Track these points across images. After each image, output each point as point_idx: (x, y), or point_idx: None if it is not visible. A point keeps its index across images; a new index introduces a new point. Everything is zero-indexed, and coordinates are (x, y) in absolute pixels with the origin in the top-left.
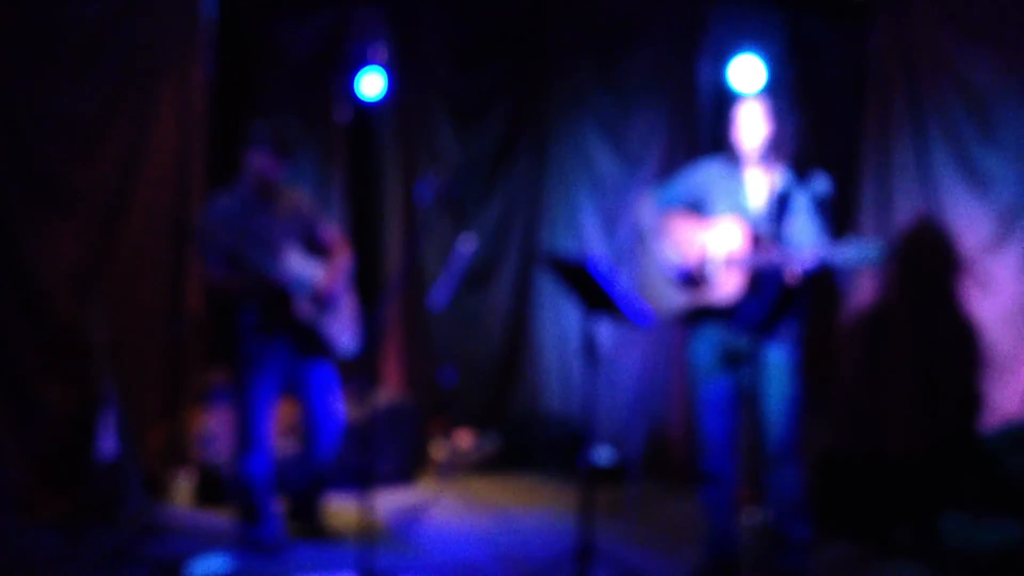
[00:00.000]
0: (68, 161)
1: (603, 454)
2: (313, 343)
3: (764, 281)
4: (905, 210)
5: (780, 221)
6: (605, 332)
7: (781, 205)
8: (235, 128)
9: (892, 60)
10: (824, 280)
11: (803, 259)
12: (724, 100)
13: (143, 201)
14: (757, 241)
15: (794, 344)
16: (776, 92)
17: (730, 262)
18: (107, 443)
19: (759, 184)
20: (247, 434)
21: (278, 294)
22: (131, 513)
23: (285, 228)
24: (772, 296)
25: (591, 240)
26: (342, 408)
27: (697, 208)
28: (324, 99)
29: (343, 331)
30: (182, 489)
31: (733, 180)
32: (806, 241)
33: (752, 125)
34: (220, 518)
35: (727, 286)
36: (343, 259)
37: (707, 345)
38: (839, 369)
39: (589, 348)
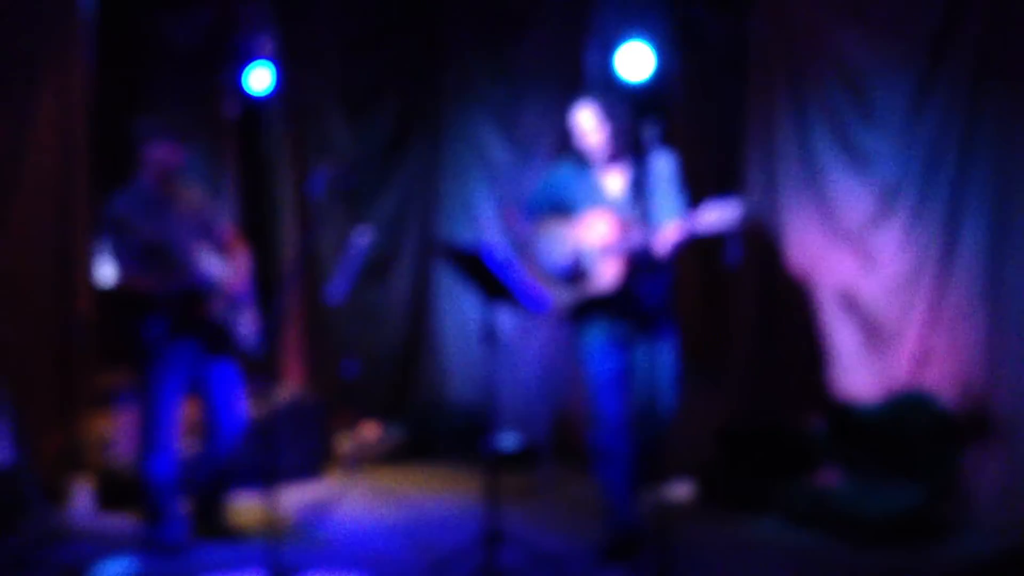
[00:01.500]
0: None
1: (509, 440)
2: (222, 342)
3: (643, 264)
4: (789, 190)
5: (641, 204)
6: (506, 319)
7: (638, 189)
8: (119, 126)
9: (773, 43)
10: (715, 258)
11: (671, 234)
12: (613, 86)
13: (25, 201)
14: (625, 227)
15: (672, 319)
16: (604, 93)
17: (604, 251)
18: (1, 450)
19: (613, 176)
20: (152, 435)
21: (193, 293)
22: (31, 520)
23: (189, 225)
24: (660, 277)
25: (487, 229)
26: (245, 406)
27: (561, 211)
28: (212, 94)
29: (250, 329)
30: (82, 494)
31: (587, 178)
32: (671, 216)
33: (589, 129)
34: (123, 522)
35: (607, 275)
36: (244, 256)
37: (597, 331)
38: (733, 345)
39: (489, 336)
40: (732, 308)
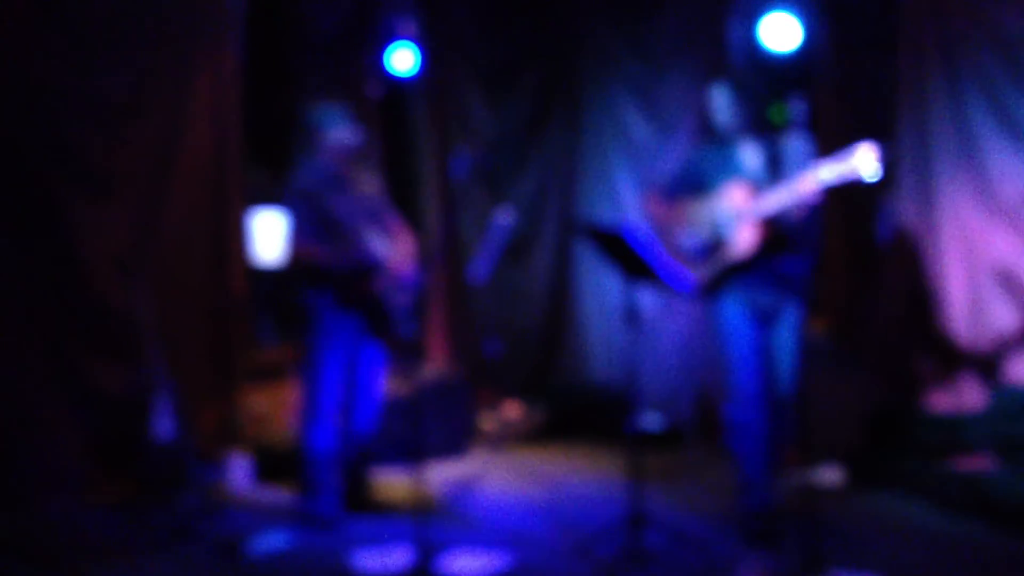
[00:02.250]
0: (105, 144)
1: (652, 420)
2: (380, 322)
3: (780, 232)
4: (943, 165)
5: (778, 177)
6: (647, 298)
7: (775, 166)
8: (268, 106)
9: (925, 12)
10: (864, 234)
11: (805, 184)
12: (758, 60)
13: (182, 181)
14: (761, 195)
15: (804, 296)
16: (745, 68)
17: (740, 216)
18: (162, 424)
19: (750, 153)
20: (314, 407)
21: (359, 269)
22: (190, 493)
23: (362, 207)
24: (798, 248)
25: (628, 207)
26: (383, 389)
27: (700, 191)
28: (355, 75)
29: (407, 314)
30: (240, 467)
31: (724, 155)
32: None
33: (725, 106)
34: (278, 495)
35: (743, 241)
36: (410, 244)
37: (735, 303)
38: (882, 324)
39: (631, 315)
40: (881, 286)
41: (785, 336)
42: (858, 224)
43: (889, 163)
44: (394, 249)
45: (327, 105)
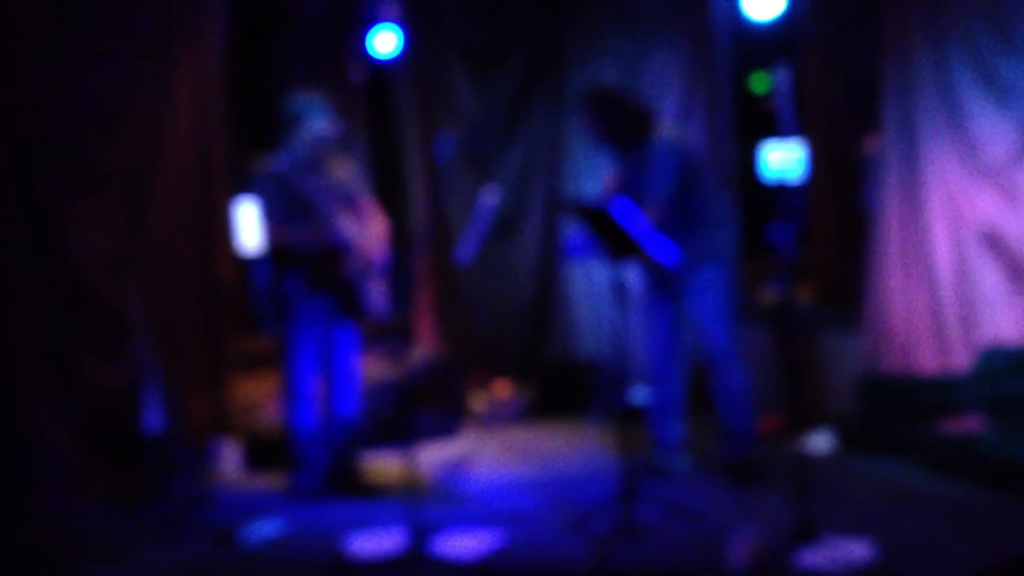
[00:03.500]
0: (94, 141)
1: (641, 394)
2: (351, 304)
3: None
4: (927, 127)
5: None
6: (634, 274)
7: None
8: (251, 94)
9: None
10: (851, 199)
11: None
12: (743, 32)
13: (169, 174)
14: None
15: (721, 260)
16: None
17: None
18: (153, 418)
19: (620, 163)
20: (293, 390)
21: (329, 251)
22: (181, 483)
23: (333, 191)
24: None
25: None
26: (360, 372)
27: None
28: (339, 59)
29: (379, 297)
30: (230, 456)
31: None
32: (649, 202)
33: (589, 127)
34: (269, 483)
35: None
36: (382, 227)
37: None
38: (871, 288)
39: (618, 291)
40: (869, 250)
41: (705, 302)
42: (844, 189)
43: (876, 128)
44: (365, 232)
45: (308, 95)
